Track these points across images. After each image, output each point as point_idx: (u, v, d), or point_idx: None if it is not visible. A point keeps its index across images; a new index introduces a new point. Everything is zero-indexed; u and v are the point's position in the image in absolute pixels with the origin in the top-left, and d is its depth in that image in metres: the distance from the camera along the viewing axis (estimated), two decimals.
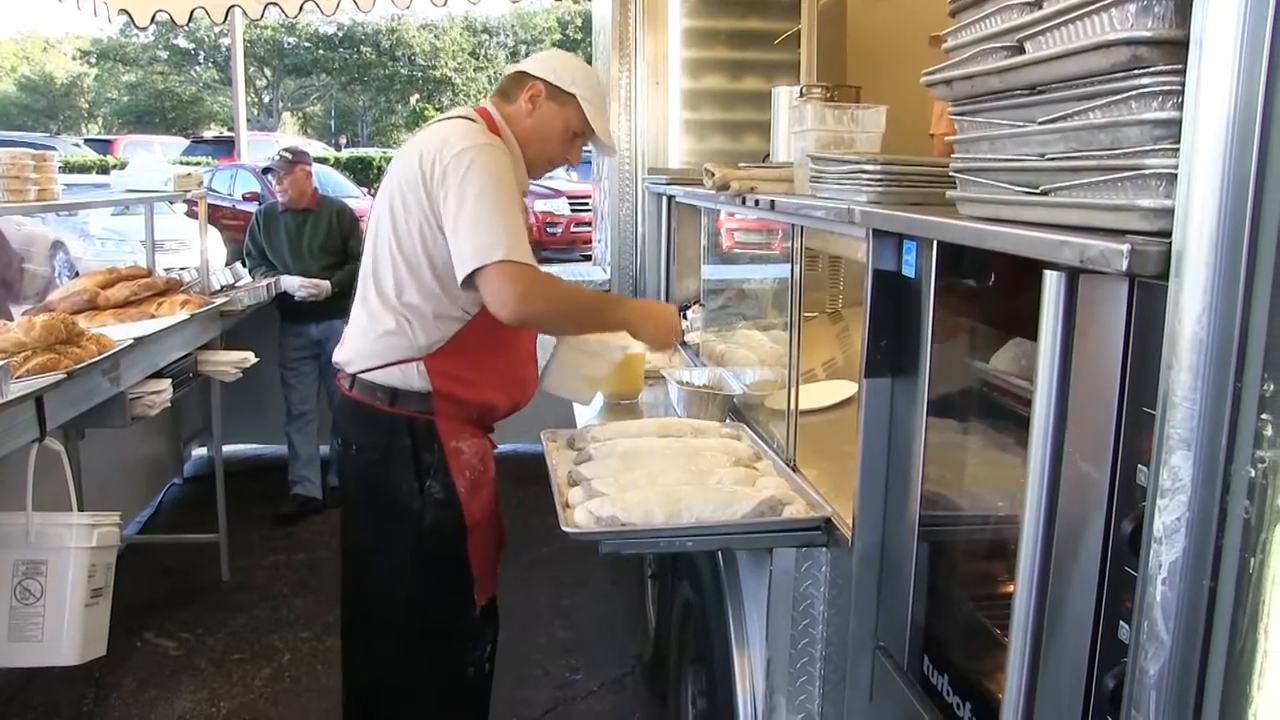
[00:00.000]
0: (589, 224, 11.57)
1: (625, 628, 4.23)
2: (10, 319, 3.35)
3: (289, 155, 5.44)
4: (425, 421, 2.51)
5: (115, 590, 3.04)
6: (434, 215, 2.39)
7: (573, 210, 15.76)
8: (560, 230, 15.91)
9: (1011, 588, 1.26)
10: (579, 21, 32.19)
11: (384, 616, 2.66)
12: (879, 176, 1.91)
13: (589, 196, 11.21)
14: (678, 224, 4.32)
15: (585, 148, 2.73)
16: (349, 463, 2.66)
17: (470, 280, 2.32)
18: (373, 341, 2.51)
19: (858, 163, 1.98)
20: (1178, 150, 0.99)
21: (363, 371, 2.53)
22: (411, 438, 2.51)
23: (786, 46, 4.51)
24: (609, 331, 2.60)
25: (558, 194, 16.12)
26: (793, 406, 2.45)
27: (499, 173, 2.39)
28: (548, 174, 2.83)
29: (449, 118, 2.57)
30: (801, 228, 2.41)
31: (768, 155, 3.21)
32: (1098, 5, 1.09)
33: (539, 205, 15.86)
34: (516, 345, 2.61)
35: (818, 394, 2.76)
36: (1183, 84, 0.98)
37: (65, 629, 2.84)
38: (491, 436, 2.71)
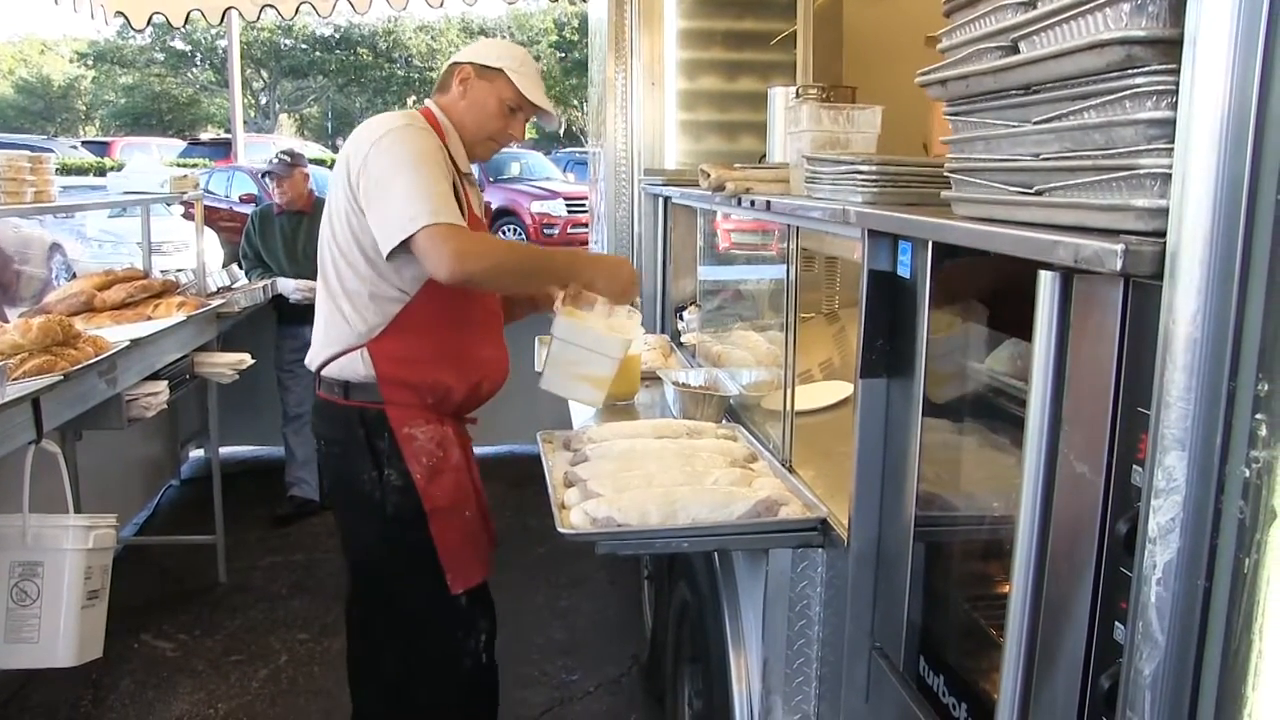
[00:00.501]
0: (586, 225, 11.57)
1: (622, 628, 4.23)
2: (6, 321, 3.35)
3: (288, 158, 5.43)
4: (376, 411, 2.55)
5: (112, 592, 3.04)
6: (355, 199, 2.44)
7: (569, 211, 15.75)
8: (557, 231, 15.88)
9: (1007, 588, 1.26)
10: (575, 23, 32.22)
11: (371, 609, 2.73)
12: (874, 177, 1.91)
13: (585, 198, 11.21)
14: (674, 225, 4.32)
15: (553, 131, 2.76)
16: (323, 459, 2.79)
17: (401, 250, 2.36)
18: (322, 334, 2.60)
19: (853, 163, 1.98)
20: (1172, 150, 0.98)
21: (321, 367, 2.60)
22: (365, 428, 2.55)
23: (783, 47, 4.51)
24: (557, 282, 2.56)
25: (554, 195, 16.12)
26: (789, 407, 2.45)
27: (417, 148, 2.43)
28: (496, 153, 2.87)
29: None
30: (797, 228, 2.41)
31: (764, 156, 3.21)
32: (1092, 4, 1.09)
33: (535, 206, 15.86)
34: (470, 323, 2.64)
35: (814, 395, 2.76)
36: (1177, 83, 0.98)
37: (62, 631, 2.84)
38: (461, 425, 2.73)
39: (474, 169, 2.75)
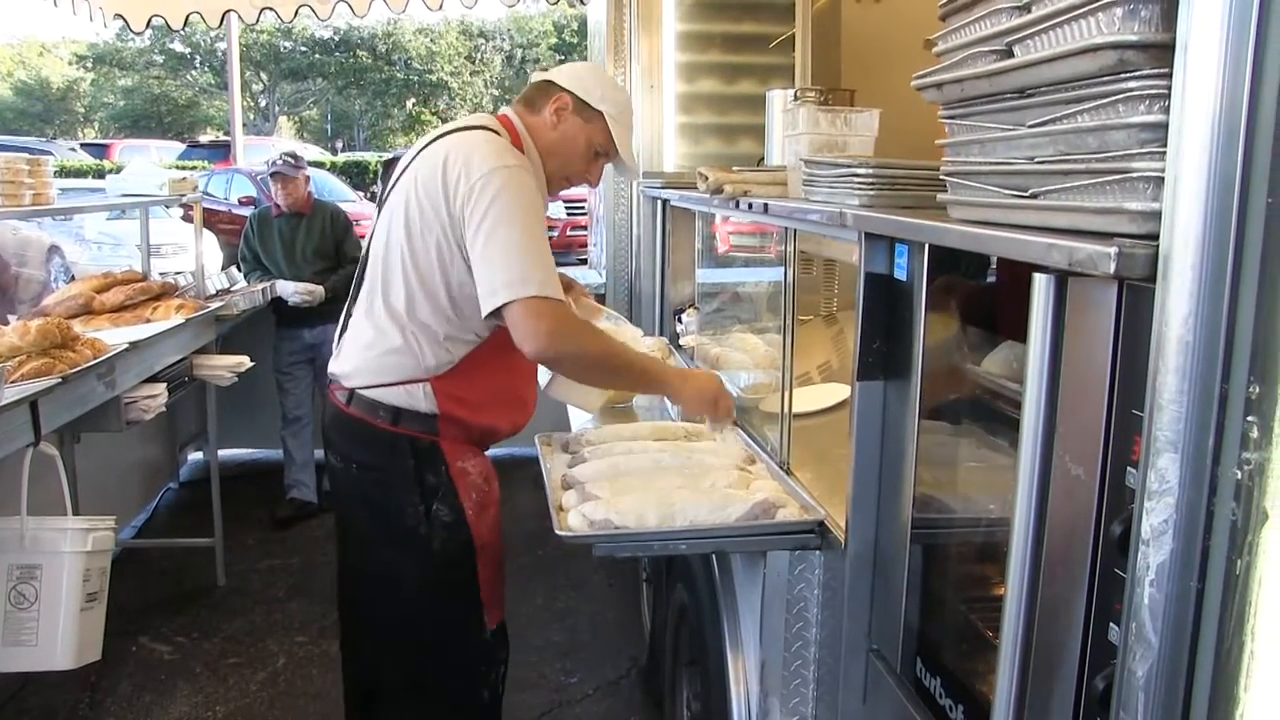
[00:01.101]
0: (585, 227, 11.58)
1: (621, 631, 4.23)
2: (5, 324, 3.36)
3: (293, 160, 5.43)
4: (429, 442, 2.40)
5: (110, 594, 3.04)
6: (455, 236, 2.28)
7: (569, 214, 15.76)
8: (556, 234, 15.91)
9: (1003, 590, 1.27)
10: (575, 25, 32.24)
11: (392, 640, 2.55)
12: (871, 180, 1.91)
13: (585, 200, 11.23)
14: (673, 228, 4.33)
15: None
16: (348, 480, 2.53)
17: (497, 312, 2.22)
18: (377, 357, 2.39)
19: (850, 166, 1.99)
20: (1165, 153, 0.99)
21: (364, 387, 2.41)
22: (415, 458, 2.39)
23: (781, 50, 4.51)
24: (641, 391, 2.48)
25: (554, 197, 16.13)
26: (786, 409, 2.46)
27: (529, 198, 2.28)
28: (566, 189, 2.72)
29: (473, 127, 2.44)
30: (795, 231, 2.42)
31: (762, 159, 3.22)
32: (1085, 9, 1.09)
33: None
34: (521, 367, 2.48)
35: (812, 397, 2.76)
36: (1169, 88, 0.98)
37: (60, 633, 2.84)
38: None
39: None
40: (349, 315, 2.53)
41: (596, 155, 2.54)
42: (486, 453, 2.59)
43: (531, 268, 2.20)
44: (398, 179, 2.44)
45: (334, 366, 2.51)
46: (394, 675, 2.59)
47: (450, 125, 2.50)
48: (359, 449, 2.47)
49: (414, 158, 2.42)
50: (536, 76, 2.60)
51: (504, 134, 2.42)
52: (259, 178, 14.47)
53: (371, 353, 2.40)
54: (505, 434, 2.55)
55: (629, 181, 4.80)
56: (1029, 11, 1.23)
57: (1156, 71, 1.03)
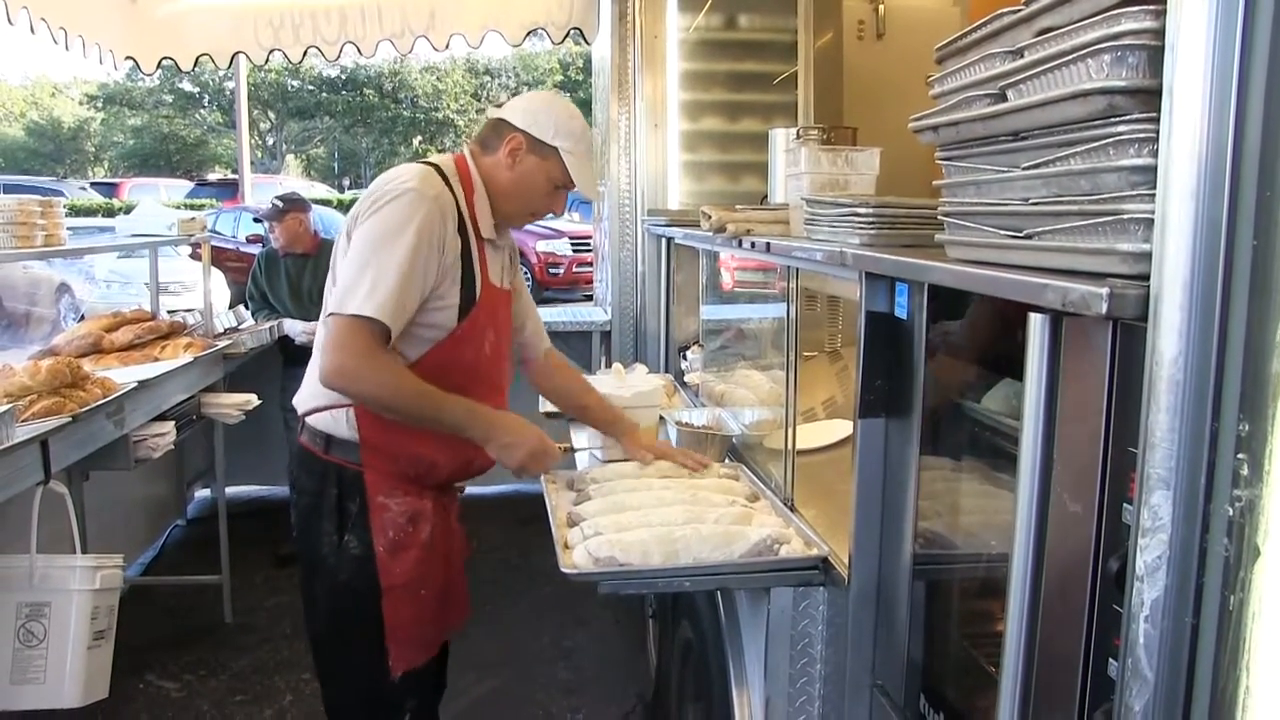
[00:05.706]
0: (591, 264, 11.63)
1: (627, 667, 4.22)
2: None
3: (280, 204, 5.49)
4: (354, 472, 2.42)
5: (118, 632, 3.04)
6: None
7: (575, 250, 15.83)
8: (562, 271, 15.97)
9: (1004, 625, 1.28)
10: (580, 63, 32.50)
11: (319, 669, 2.61)
12: (871, 219, 1.94)
13: (590, 237, 11.28)
14: (677, 264, 4.36)
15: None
16: (293, 507, 2.61)
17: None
18: (313, 383, 2.44)
19: (851, 206, 2.01)
20: (1154, 195, 1.01)
21: (307, 414, 2.49)
22: (339, 488, 2.43)
23: (784, 88, 4.56)
24: (450, 432, 2.37)
25: (560, 234, 16.21)
26: (790, 446, 2.47)
27: (408, 222, 2.25)
28: (532, 223, 2.73)
29: (412, 160, 2.47)
30: (797, 269, 2.44)
31: (765, 196, 3.25)
32: (1075, 55, 1.12)
33: (541, 246, 15.95)
34: (469, 395, 2.40)
35: (816, 433, 2.77)
36: (1158, 131, 1.00)
37: (68, 671, 2.85)
38: (444, 495, 2.55)
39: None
40: None
41: (557, 188, 2.50)
42: (446, 496, 2.55)
43: (364, 284, 2.19)
44: None
45: (294, 399, 2.58)
46: (328, 707, 2.62)
47: None
48: (302, 476, 2.55)
49: None
50: (491, 113, 2.58)
51: (449, 170, 2.42)
52: (254, 220, 14.55)
53: (310, 378, 2.48)
54: (448, 469, 2.49)
55: (635, 219, 4.84)
56: (1021, 56, 1.26)
57: (1145, 116, 1.05)
